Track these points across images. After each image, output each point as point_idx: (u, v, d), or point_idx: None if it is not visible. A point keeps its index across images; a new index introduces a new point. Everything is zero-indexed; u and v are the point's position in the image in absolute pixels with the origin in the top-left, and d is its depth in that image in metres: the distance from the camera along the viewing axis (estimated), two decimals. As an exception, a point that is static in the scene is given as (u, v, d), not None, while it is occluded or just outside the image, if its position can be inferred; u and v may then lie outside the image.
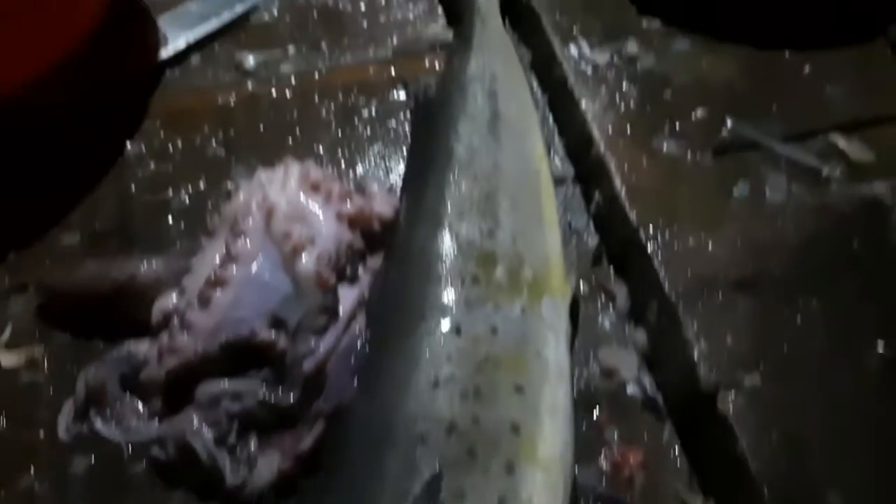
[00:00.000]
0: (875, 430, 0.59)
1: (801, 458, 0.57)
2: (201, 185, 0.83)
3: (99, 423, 0.67)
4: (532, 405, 0.61)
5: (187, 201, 0.81)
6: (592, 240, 0.80)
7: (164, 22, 0.94)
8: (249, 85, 0.91)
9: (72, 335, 0.72)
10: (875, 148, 0.83)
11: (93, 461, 0.66)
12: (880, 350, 0.64)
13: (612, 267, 0.78)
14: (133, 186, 0.82)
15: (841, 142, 0.84)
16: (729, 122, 0.84)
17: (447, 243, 0.70)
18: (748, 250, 0.70)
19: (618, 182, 0.76)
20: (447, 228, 0.71)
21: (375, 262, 0.75)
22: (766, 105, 0.86)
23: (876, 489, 0.56)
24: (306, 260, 0.69)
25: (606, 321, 0.75)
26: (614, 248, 0.78)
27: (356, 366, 0.65)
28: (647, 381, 0.70)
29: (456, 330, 0.64)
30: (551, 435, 0.60)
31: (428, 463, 0.56)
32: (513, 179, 0.76)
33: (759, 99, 0.87)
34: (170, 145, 0.85)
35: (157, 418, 0.67)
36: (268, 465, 0.63)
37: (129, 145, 0.85)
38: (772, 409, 0.60)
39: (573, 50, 0.86)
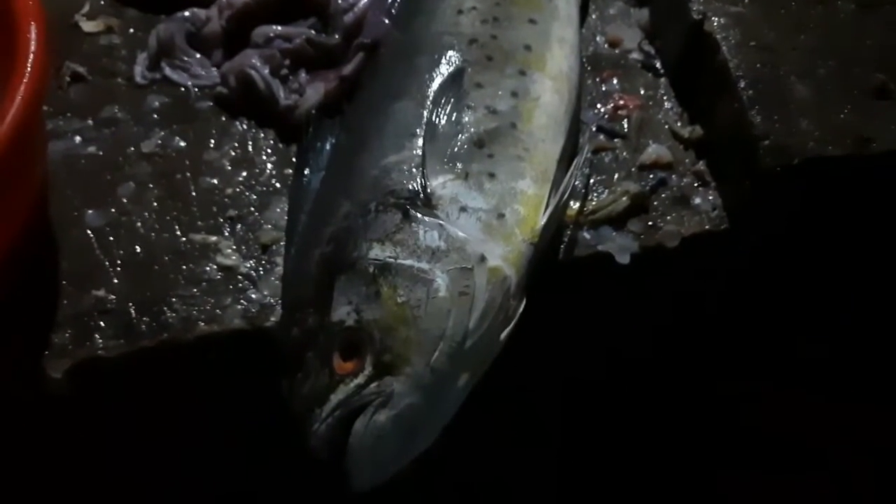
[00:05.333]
0: (841, 46, 0.68)
1: (774, 62, 0.67)
2: None
3: (169, 71, 0.78)
4: (543, 33, 0.71)
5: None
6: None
7: None
8: None
9: (140, 10, 0.83)
10: None
11: (165, 99, 0.77)
12: (850, 2, 0.72)
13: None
14: None
15: None
16: None
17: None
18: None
19: None
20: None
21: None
22: None
23: (838, 81, 0.66)
24: (346, -71, 0.78)
25: (613, 8, 0.84)
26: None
27: (389, 10, 0.75)
28: (648, 48, 0.80)
29: (478, -22, 0.74)
30: (559, 57, 0.70)
31: (452, 62, 0.67)
32: None
33: None
34: None
35: (217, 69, 0.78)
36: (315, 91, 0.73)
37: None
38: (751, 28, 0.69)
39: None
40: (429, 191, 0.59)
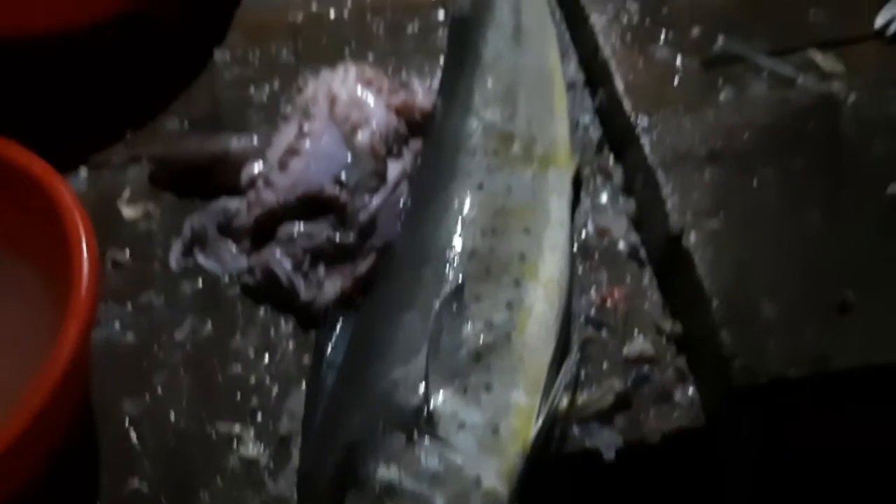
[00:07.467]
0: (809, 260, 0.75)
1: (746, 279, 0.73)
2: (276, 85, 1.01)
3: (201, 258, 0.86)
4: (536, 242, 0.79)
5: (265, 98, 1.00)
6: (596, 133, 0.96)
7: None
8: (314, 6, 1.09)
9: (177, 196, 0.91)
10: (845, 62, 0.97)
11: (198, 285, 0.85)
12: (819, 214, 0.79)
13: (611, 154, 0.94)
14: (221, 85, 1.00)
15: (818, 56, 0.98)
16: (720, 39, 0.99)
17: (474, 125, 0.87)
18: (719, 131, 0.85)
19: (618, 81, 0.92)
20: (474, 114, 0.88)
21: (416, 144, 0.92)
22: (753, 23, 1.00)
23: (803, 297, 0.72)
24: (362, 136, 0.87)
25: (604, 195, 0.91)
26: (614, 137, 0.94)
27: (401, 213, 0.83)
28: (634, 238, 0.87)
29: (479, 186, 0.82)
30: (551, 264, 0.78)
31: (454, 276, 0.75)
32: (530, 78, 0.92)
33: (748, 18, 1.01)
34: (249, 53, 1.04)
35: (246, 255, 0.86)
36: (333, 286, 0.81)
37: (216, 53, 1.03)
38: (725, 245, 0.76)
39: (584, -27, 1.01)
40: (431, 408, 0.66)
